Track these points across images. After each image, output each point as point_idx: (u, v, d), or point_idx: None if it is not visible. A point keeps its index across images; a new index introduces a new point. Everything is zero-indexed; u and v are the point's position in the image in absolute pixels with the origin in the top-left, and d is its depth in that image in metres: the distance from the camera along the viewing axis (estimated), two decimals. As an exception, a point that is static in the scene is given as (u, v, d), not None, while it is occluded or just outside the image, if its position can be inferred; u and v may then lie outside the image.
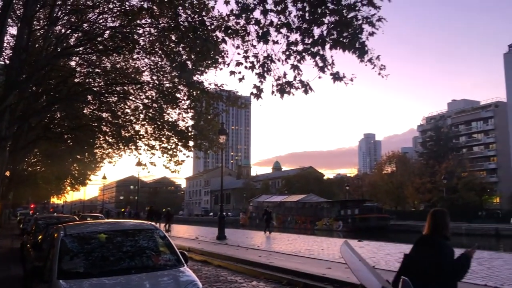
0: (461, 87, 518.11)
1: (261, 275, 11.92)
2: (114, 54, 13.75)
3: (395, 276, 3.82)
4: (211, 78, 41.66)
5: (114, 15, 12.28)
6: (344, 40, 7.40)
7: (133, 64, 14.82)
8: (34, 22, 13.05)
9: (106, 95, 15.27)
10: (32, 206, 73.95)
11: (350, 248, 2.46)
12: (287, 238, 24.89)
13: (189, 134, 14.31)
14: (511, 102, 68.99)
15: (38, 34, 13.99)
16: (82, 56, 14.44)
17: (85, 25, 13.06)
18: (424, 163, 78.93)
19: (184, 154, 14.73)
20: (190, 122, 14.44)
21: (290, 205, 70.79)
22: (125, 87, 14.87)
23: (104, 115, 16.96)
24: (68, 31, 13.66)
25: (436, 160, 74.35)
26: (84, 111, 17.35)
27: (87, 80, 15.47)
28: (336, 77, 7.44)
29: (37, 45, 13.61)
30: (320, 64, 7.57)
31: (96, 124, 17.25)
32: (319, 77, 7.63)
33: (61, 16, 13.26)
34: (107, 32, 12.81)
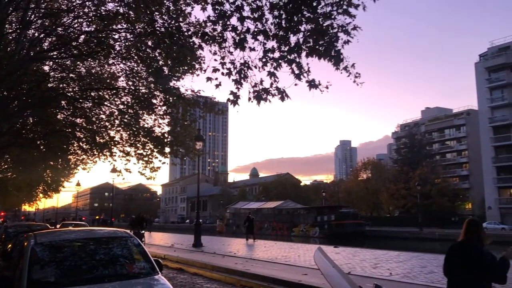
0: (435, 95, 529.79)
1: (238, 283, 11.87)
2: (89, 59, 13.55)
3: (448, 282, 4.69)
4: (188, 84, 41.40)
5: (90, 19, 12.11)
6: (320, 48, 7.49)
7: (108, 69, 14.62)
8: (6, 26, 12.74)
9: (80, 100, 15.01)
10: (2, 214, 72.06)
11: (323, 254, 2.47)
12: (264, 244, 24.87)
13: (165, 140, 14.17)
14: (482, 110, 70.73)
15: (10, 37, 13.67)
16: (56, 60, 14.18)
17: (59, 29, 12.84)
18: (399, 170, 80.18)
19: (160, 160, 14.57)
20: (166, 128, 14.30)
21: (267, 211, 70.90)
22: (100, 93, 14.64)
23: (78, 120, 16.65)
24: (42, 35, 13.39)
25: (410, 166, 75.62)
26: (58, 117, 16.99)
27: (61, 85, 15.17)
28: (312, 84, 7.50)
29: (9, 49, 13.31)
30: (296, 72, 7.62)
31: (70, 130, 16.93)
32: (295, 84, 7.69)
33: (35, 19, 12.99)
34: (82, 36, 12.62)
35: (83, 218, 79.79)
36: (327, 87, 7.61)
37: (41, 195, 41.34)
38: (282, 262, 15.24)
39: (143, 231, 25.59)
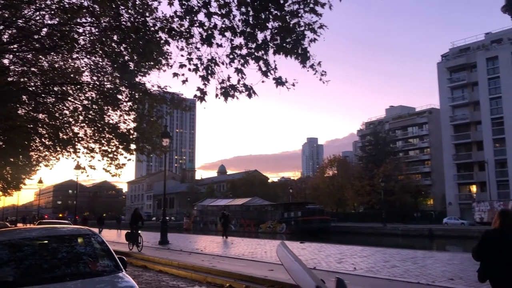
0: (399, 94, 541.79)
1: (204, 280, 11.85)
2: (52, 53, 13.17)
3: (480, 265, 5.16)
4: (154, 79, 40.70)
5: (52, 12, 11.75)
6: (287, 46, 7.55)
7: (72, 64, 14.22)
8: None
9: (42, 95, 14.56)
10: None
11: (286, 249, 2.50)
12: (231, 241, 24.89)
13: (131, 136, 13.93)
14: (444, 109, 72.92)
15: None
16: (17, 54, 13.71)
17: (20, 21, 12.41)
18: (364, 167, 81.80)
19: (125, 157, 14.31)
20: (132, 125, 14.04)
21: (234, 208, 70.94)
22: (63, 87, 14.24)
23: (41, 116, 16.14)
24: (1, 27, 12.92)
25: (374, 163, 77.23)
26: (19, 112, 16.42)
27: (22, 79, 14.67)
28: (279, 81, 7.56)
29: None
30: (264, 69, 7.65)
31: (31, 125, 16.40)
32: (263, 81, 7.73)
33: (-7, 11, 12.52)
34: (45, 29, 12.24)
35: (46, 216, 77.64)
36: (293, 85, 7.69)
37: (0, 193, 39.93)
38: (249, 258, 15.31)
39: (139, 231, 20.99)
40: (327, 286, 2.33)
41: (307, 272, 2.31)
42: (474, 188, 69.78)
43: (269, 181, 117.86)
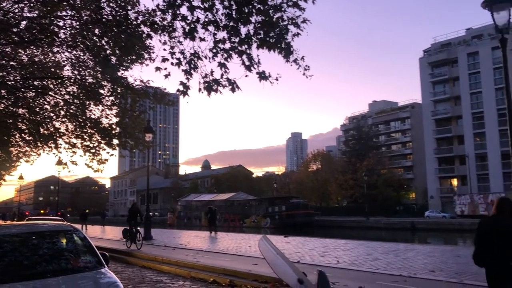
0: (382, 88, 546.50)
1: (188, 275, 11.83)
2: (32, 47, 12.93)
3: (475, 251, 5.29)
4: (137, 74, 40.33)
5: (31, 4, 11.53)
6: (270, 40, 7.54)
7: (53, 58, 13.98)
8: None
9: (22, 90, 14.31)
10: None
11: (268, 243, 2.52)
12: (216, 236, 24.89)
13: (113, 131, 13.78)
14: (426, 104, 73.80)
15: None
16: (-5, 47, 13.42)
17: (-2, 14, 12.15)
18: (347, 161, 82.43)
19: (108, 152, 14.14)
20: (114, 120, 13.87)
21: (219, 203, 70.82)
22: (44, 82, 14.01)
23: (20, 111, 15.85)
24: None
25: (357, 158, 77.87)
26: (-3, 107, 16.13)
27: (0, 73, 14.40)
28: (262, 76, 7.55)
29: None
30: (247, 63, 7.64)
31: (11, 120, 16.10)
32: (246, 76, 7.71)
33: (-30, 3, 12.22)
34: (24, 22, 12.00)
35: (27, 213, 76.48)
36: (277, 79, 7.69)
37: (-21, 189, 39.24)
38: (233, 253, 15.34)
39: (138, 227, 19.23)
40: (309, 279, 2.35)
41: (289, 266, 2.33)
42: (455, 182, 70.90)
43: (253, 176, 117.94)
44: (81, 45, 11.62)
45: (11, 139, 17.40)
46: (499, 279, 5.14)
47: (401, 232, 47.38)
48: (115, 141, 14.10)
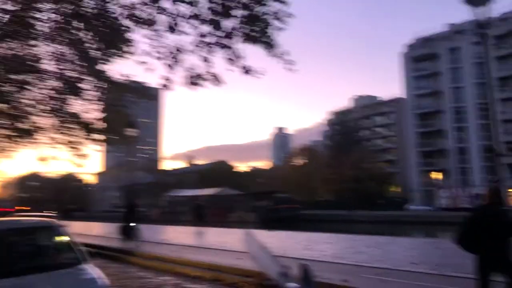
0: (366, 83, 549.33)
1: (172, 270, 11.77)
2: (8, 40, 12.64)
3: (460, 235, 5.47)
4: (118, 68, 39.77)
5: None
6: (254, 34, 7.51)
7: (31, 51, 13.71)
8: None
9: (1, 84, 14.01)
10: None
11: (251, 238, 2.50)
12: (201, 231, 24.80)
13: (95, 127, 13.59)
14: (408, 98, 74.61)
15: None
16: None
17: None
18: (331, 155, 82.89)
19: (90, 148, 13.96)
20: (96, 114, 13.69)
21: (204, 198, 70.68)
22: (22, 76, 13.73)
23: (-1, 105, 15.54)
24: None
25: (342, 152, 78.37)
26: (-25, 101, 15.76)
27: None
28: (246, 70, 7.53)
29: None
30: (231, 57, 7.60)
31: (-11, 115, 15.77)
32: (230, 70, 7.68)
33: None
34: (0, 15, 11.73)
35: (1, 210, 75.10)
36: (261, 73, 7.67)
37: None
38: (218, 248, 15.32)
39: (134, 224, 17.79)
40: (292, 272, 2.34)
41: (272, 260, 2.32)
42: (437, 175, 71.92)
43: (238, 170, 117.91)
44: (60, 39, 11.40)
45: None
46: (487, 264, 5.32)
47: (384, 225, 47.88)
48: (97, 136, 13.91)
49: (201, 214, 29.62)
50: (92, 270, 5.27)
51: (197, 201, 35.72)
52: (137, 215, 18.43)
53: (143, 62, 7.59)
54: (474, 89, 63.73)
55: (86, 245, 16.41)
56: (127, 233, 17.57)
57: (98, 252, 14.83)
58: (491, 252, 5.27)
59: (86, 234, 23.54)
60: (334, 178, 75.33)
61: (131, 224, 17.63)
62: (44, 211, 41.00)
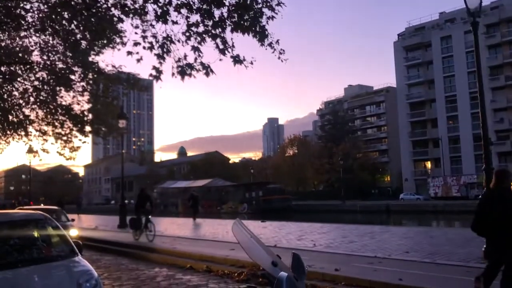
0: (358, 72, 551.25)
1: (164, 261, 11.76)
2: (-3, 31, 12.45)
3: (474, 220, 5.53)
4: (108, 59, 39.45)
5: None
6: (245, 23, 7.44)
7: (20, 43, 13.51)
8: None
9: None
10: None
11: (241, 227, 2.48)
12: (193, 222, 24.84)
13: (85, 118, 13.46)
14: (400, 87, 74.75)
15: None
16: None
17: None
18: (323, 146, 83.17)
19: (80, 140, 13.84)
20: (86, 106, 13.53)
21: (196, 190, 70.68)
22: (11, 67, 13.54)
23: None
24: None
25: (333, 142, 78.66)
26: (-37, 94, 15.56)
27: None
28: (237, 60, 7.47)
29: None
30: (221, 47, 7.54)
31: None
32: (220, 60, 7.62)
33: None
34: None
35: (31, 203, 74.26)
36: (252, 63, 7.60)
37: None
38: (211, 239, 15.33)
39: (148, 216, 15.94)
40: (283, 262, 2.33)
41: (263, 249, 2.30)
42: (429, 164, 72.42)
43: (230, 161, 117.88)
44: (50, 29, 11.24)
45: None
46: (500, 248, 5.30)
47: (377, 215, 48.25)
48: (88, 128, 13.80)
49: (195, 205, 29.66)
50: (83, 262, 5.24)
51: (192, 192, 35.35)
52: (150, 207, 16.96)
53: (133, 53, 7.48)
54: (466, 78, 63.98)
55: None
56: (140, 227, 16.06)
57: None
58: (500, 235, 5.27)
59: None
60: (325, 168, 75.59)
61: (145, 217, 15.95)
62: (42, 205, 40.80)
